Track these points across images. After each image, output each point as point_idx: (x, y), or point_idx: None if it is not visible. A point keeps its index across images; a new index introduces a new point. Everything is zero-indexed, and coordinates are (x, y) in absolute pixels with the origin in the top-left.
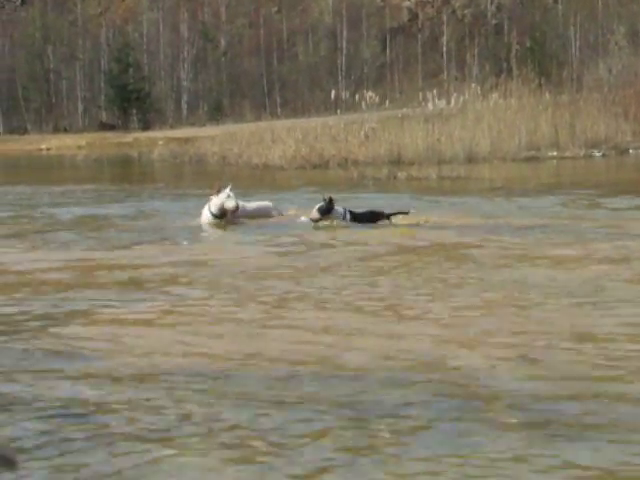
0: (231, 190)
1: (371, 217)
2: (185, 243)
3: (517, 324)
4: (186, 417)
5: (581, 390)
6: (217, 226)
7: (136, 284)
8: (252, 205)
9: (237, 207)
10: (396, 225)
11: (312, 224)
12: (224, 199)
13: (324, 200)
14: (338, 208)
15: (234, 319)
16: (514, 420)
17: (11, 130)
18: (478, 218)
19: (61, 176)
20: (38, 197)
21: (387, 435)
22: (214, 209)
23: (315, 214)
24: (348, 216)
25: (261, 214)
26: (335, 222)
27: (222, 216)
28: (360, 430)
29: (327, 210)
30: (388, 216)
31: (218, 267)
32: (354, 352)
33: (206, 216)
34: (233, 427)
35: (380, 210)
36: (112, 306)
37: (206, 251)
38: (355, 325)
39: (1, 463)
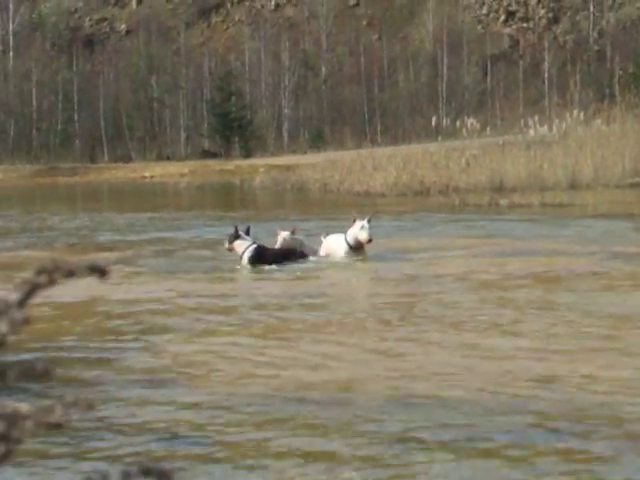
0: (369, 221)
1: (281, 256)
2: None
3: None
4: (290, 449)
5: None
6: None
7: (246, 311)
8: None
9: (371, 239)
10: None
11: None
12: (359, 230)
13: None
14: (245, 241)
15: (345, 345)
16: None
17: (116, 158)
18: (580, 245)
19: (165, 203)
20: (144, 223)
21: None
22: (350, 240)
23: (226, 243)
24: (249, 253)
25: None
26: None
27: (358, 248)
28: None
29: (232, 239)
30: (304, 255)
31: (337, 297)
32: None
33: (342, 248)
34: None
35: (293, 249)
36: (207, 334)
37: (326, 281)
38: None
39: (158, 478)
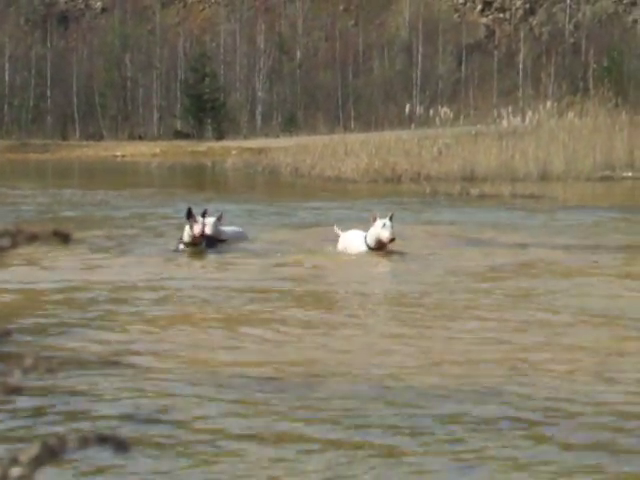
0: (391, 219)
1: (208, 241)
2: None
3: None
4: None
5: None
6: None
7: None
8: (229, 229)
9: (394, 238)
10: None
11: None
12: (380, 229)
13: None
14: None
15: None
16: None
17: (87, 136)
18: (546, 236)
19: (134, 182)
20: (112, 201)
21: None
22: (370, 240)
23: (196, 228)
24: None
25: (237, 238)
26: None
27: (379, 248)
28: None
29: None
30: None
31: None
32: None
33: (361, 248)
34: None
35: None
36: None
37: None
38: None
39: (114, 446)
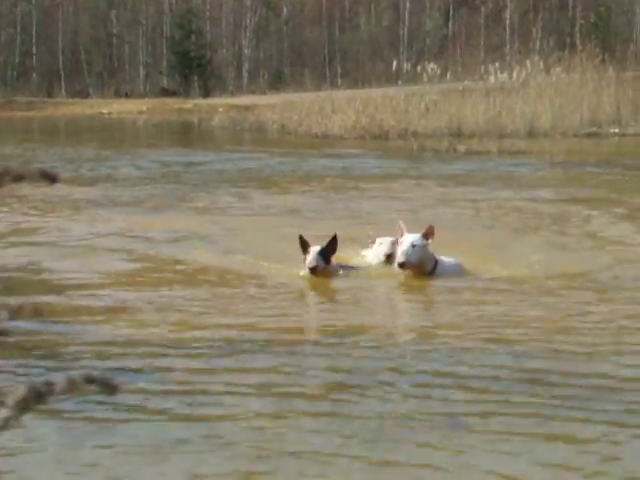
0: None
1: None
2: None
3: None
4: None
5: None
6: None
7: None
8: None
9: (403, 264)
10: None
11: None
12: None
13: None
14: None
15: None
16: None
17: (73, 94)
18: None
19: (121, 138)
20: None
21: None
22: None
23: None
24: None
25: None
26: None
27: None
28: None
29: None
30: None
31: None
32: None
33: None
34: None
35: None
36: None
37: None
38: None
39: (103, 388)
